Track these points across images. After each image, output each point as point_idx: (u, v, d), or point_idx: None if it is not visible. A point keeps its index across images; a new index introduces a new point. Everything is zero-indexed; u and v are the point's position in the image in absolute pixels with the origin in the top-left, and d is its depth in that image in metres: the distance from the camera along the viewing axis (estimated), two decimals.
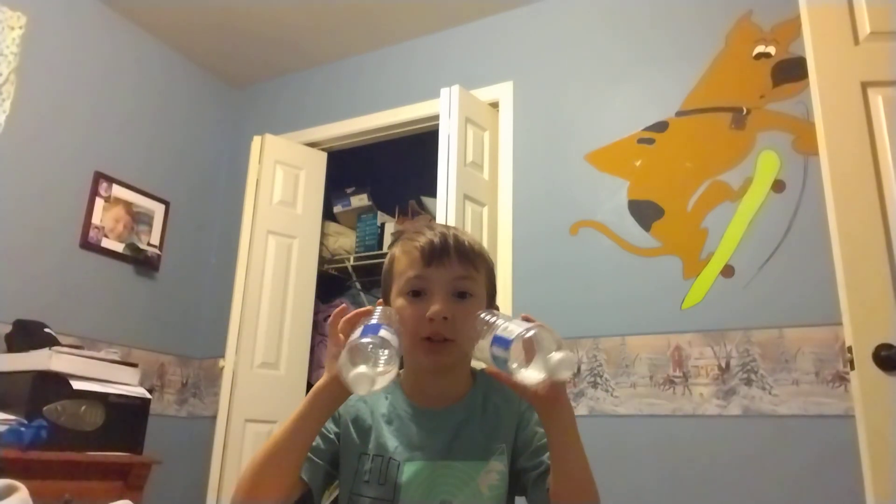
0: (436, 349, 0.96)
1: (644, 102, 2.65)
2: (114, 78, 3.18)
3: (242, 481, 0.90)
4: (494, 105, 2.98)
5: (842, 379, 2.05)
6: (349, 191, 3.85)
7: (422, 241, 1.00)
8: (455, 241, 1.00)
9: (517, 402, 1.01)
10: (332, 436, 1.01)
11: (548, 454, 0.93)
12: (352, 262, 3.72)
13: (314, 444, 0.97)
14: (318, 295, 3.42)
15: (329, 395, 0.88)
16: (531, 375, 0.77)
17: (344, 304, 0.86)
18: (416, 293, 0.98)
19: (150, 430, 2.49)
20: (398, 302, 0.99)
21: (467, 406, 1.01)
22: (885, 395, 1.60)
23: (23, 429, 2.06)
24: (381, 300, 1.06)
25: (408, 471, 0.95)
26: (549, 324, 0.79)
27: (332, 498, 1.05)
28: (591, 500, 0.87)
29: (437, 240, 0.99)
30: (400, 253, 1.03)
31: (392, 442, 0.98)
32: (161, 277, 3.27)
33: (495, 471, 0.96)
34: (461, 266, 0.99)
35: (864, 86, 1.82)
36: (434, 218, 3.07)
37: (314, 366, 3.43)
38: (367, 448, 0.99)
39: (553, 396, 0.83)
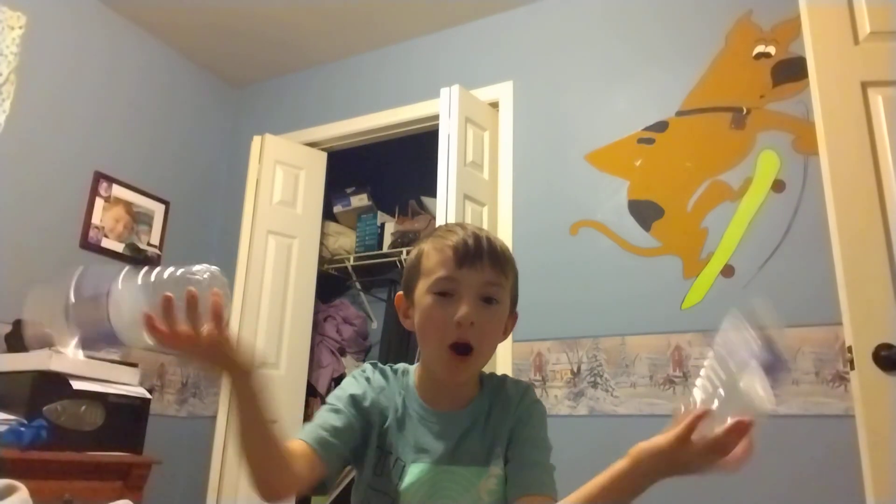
0: (458, 366, 0.96)
1: (644, 102, 2.65)
2: (113, 78, 3.18)
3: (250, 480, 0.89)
4: (494, 105, 2.97)
5: (842, 379, 2.05)
6: (349, 191, 3.85)
7: (455, 239, 0.97)
8: (489, 244, 0.98)
9: (514, 406, 1.02)
10: (353, 419, 0.99)
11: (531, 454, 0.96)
12: (352, 262, 3.72)
13: (332, 423, 0.96)
14: (318, 295, 3.42)
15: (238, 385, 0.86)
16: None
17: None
18: (443, 293, 0.96)
19: (150, 430, 2.48)
20: (425, 300, 0.97)
21: (473, 412, 1.02)
22: (885, 395, 1.60)
23: (23, 429, 2.06)
24: (401, 293, 1.05)
25: (411, 472, 0.96)
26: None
27: (341, 487, 1.06)
28: None
29: (471, 241, 0.97)
30: (430, 249, 1.00)
31: (400, 443, 0.99)
32: None
33: (494, 475, 0.97)
34: (492, 271, 0.97)
35: (864, 86, 1.82)
36: (434, 218, 3.07)
37: (314, 366, 3.43)
38: (383, 443, 1.00)
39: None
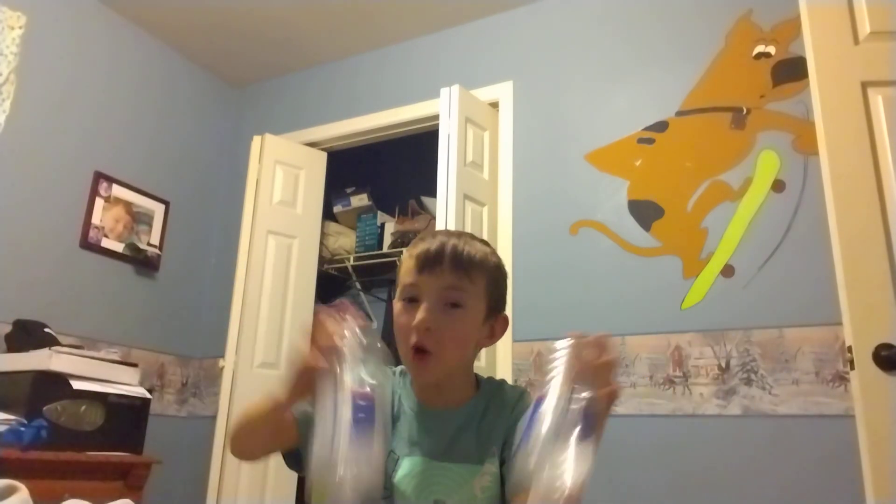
0: (417, 366, 0.98)
1: (644, 102, 2.65)
2: (114, 78, 3.18)
3: (230, 437, 1.01)
4: (494, 105, 2.97)
5: (842, 379, 2.05)
6: (349, 191, 3.85)
7: (421, 247, 1.01)
8: (452, 249, 0.99)
9: (511, 408, 1.03)
10: None
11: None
12: (352, 262, 3.72)
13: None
14: (318, 295, 3.42)
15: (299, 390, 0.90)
16: None
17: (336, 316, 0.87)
18: (410, 299, 0.99)
19: (150, 430, 2.49)
20: (396, 306, 1.02)
21: (468, 412, 1.03)
22: (885, 395, 1.60)
23: (23, 429, 2.06)
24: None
25: (404, 465, 0.98)
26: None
27: None
28: None
29: (433, 247, 0.99)
30: (405, 257, 1.05)
31: (395, 437, 1.01)
32: (161, 277, 3.27)
33: (489, 473, 0.98)
34: (453, 275, 0.98)
35: (864, 86, 1.82)
36: (434, 218, 3.07)
37: None
38: None
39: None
